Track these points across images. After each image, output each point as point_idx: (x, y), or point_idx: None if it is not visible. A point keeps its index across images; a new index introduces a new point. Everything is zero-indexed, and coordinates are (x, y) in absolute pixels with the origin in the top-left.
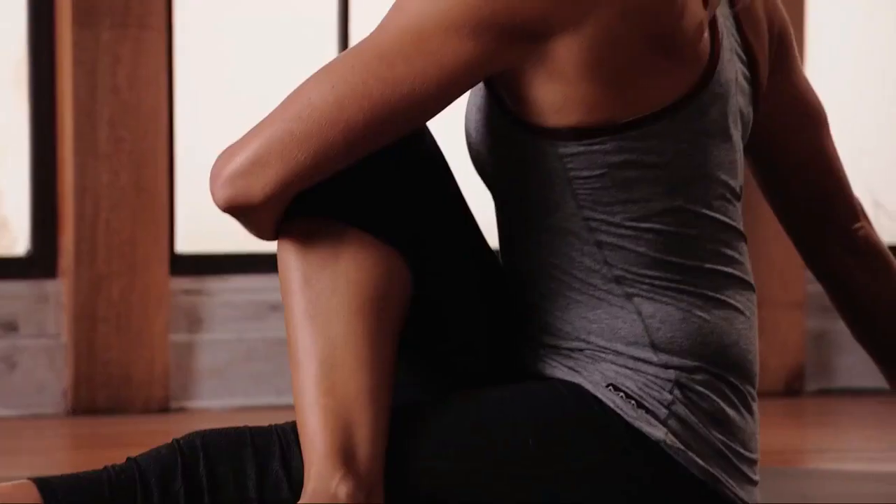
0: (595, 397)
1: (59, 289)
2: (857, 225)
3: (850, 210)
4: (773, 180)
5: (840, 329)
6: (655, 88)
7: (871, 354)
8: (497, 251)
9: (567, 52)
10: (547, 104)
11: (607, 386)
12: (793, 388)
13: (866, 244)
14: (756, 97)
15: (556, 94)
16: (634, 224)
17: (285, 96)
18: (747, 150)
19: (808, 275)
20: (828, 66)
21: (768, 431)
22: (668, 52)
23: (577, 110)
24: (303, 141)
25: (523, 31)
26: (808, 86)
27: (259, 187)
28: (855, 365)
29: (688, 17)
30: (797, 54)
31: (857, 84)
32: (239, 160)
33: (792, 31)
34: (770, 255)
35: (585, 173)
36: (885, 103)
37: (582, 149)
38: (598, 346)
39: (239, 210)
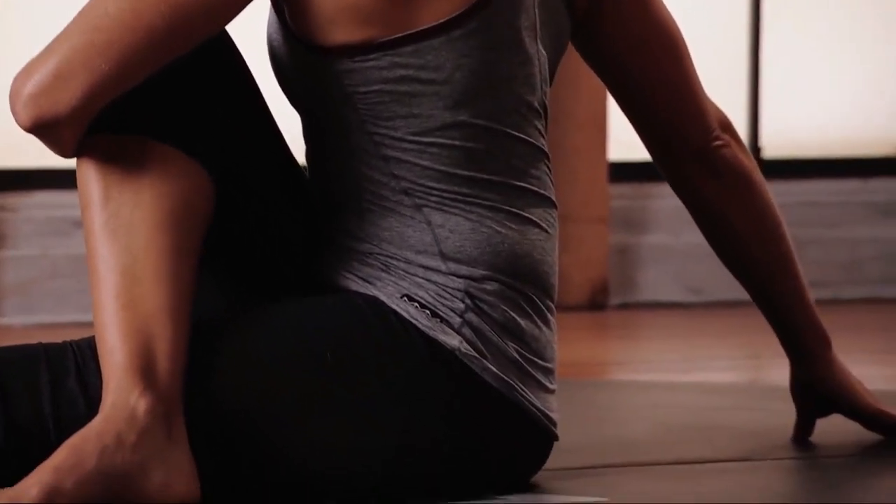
0: (392, 309)
1: None
2: (717, 143)
3: (706, 129)
4: (626, 99)
5: (643, 243)
6: (432, 1)
7: (740, 280)
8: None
9: None
10: (319, 18)
11: (402, 297)
12: (597, 302)
13: (726, 164)
14: (572, 13)
15: (327, 5)
16: (417, 139)
17: (78, 11)
18: (600, 72)
19: (612, 190)
20: None
21: (572, 345)
22: None
23: (348, 25)
24: (104, 50)
25: None
26: (663, 13)
27: (65, 102)
28: (657, 279)
29: None
30: None
31: None
32: (40, 76)
33: None
34: (574, 170)
35: (363, 89)
36: None
37: (356, 65)
38: (390, 254)
39: (44, 127)
